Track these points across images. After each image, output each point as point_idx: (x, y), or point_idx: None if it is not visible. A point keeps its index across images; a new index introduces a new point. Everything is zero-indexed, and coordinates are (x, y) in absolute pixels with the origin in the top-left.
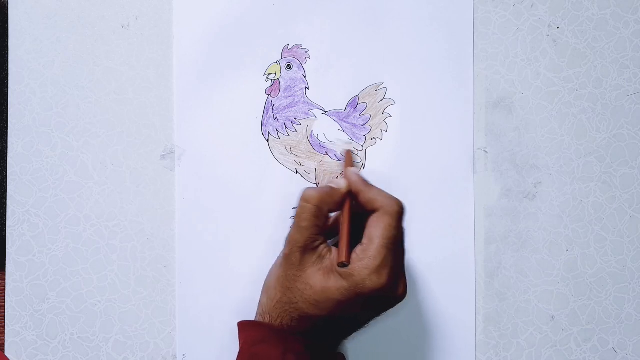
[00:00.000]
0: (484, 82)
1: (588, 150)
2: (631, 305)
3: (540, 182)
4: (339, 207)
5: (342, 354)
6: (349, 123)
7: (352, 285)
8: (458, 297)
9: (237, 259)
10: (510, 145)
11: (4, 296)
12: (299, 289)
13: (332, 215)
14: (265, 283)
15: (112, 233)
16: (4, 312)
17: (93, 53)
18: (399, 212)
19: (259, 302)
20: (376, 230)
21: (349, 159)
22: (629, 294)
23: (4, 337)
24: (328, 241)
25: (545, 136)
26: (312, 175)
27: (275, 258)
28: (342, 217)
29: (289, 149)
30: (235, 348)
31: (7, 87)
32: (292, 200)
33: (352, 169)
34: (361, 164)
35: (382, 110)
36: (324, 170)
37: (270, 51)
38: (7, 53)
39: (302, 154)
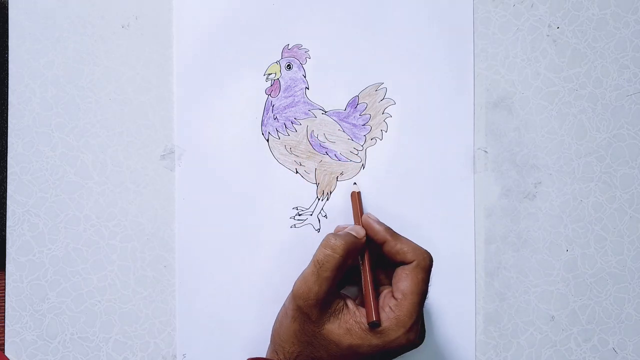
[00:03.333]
0: (484, 82)
1: (588, 150)
2: (631, 305)
3: (540, 182)
4: (357, 256)
5: None
6: (349, 123)
7: (384, 343)
8: (458, 297)
9: (237, 259)
10: (510, 145)
11: (4, 296)
12: (322, 345)
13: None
14: (275, 334)
15: (112, 233)
16: (4, 312)
17: (93, 53)
18: (431, 265)
19: (269, 353)
20: (410, 285)
21: (357, 201)
22: (629, 294)
23: (4, 337)
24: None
25: (545, 136)
26: (312, 175)
27: (274, 259)
28: (364, 273)
29: (289, 149)
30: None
31: (7, 87)
32: (292, 200)
33: (370, 216)
34: (361, 164)
35: (382, 110)
36: (324, 170)
37: (270, 51)
38: (7, 53)
39: (302, 154)
